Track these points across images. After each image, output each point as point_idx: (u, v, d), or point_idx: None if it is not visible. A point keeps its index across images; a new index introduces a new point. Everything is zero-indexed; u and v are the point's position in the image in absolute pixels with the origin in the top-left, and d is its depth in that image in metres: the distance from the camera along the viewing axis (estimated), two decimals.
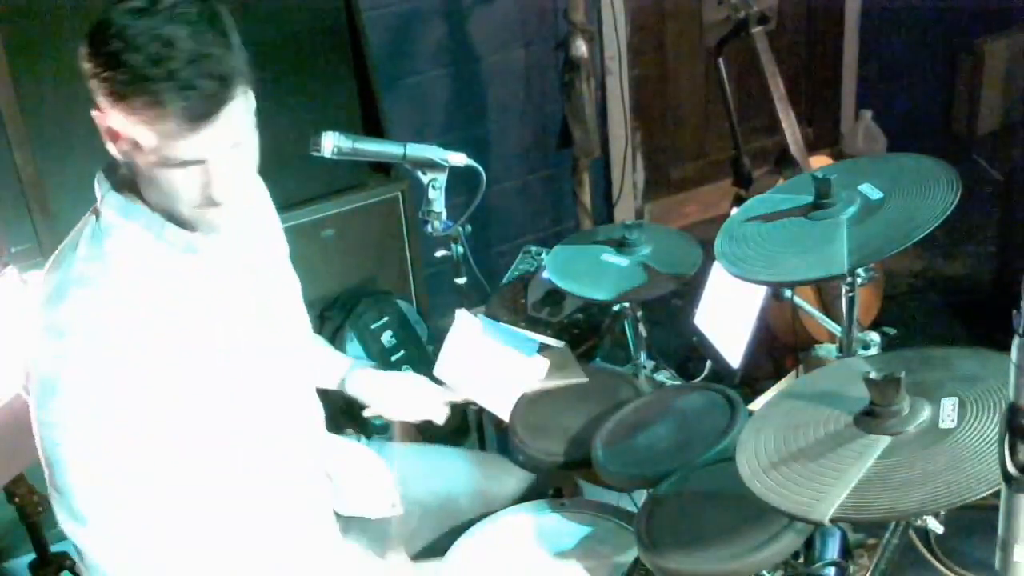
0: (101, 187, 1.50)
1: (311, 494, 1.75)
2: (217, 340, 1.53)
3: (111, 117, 1.37)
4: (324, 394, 1.87)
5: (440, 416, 2.02)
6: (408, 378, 2.05)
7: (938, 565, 2.39)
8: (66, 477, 1.43)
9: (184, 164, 1.39)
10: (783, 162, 3.04)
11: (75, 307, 1.41)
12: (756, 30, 2.97)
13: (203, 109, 1.35)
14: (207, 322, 1.52)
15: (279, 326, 1.67)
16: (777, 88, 3.00)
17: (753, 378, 2.74)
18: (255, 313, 1.62)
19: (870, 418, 1.32)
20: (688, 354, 2.84)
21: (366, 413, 1.99)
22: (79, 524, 1.45)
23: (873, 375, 1.30)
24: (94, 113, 1.41)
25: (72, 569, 2.38)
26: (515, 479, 1.99)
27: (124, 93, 1.34)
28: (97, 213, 1.49)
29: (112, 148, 1.42)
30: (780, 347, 2.98)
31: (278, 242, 1.78)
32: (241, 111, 1.41)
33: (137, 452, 1.44)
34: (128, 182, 1.48)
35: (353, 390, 1.98)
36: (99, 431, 1.41)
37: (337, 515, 1.81)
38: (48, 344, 1.41)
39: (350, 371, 1.98)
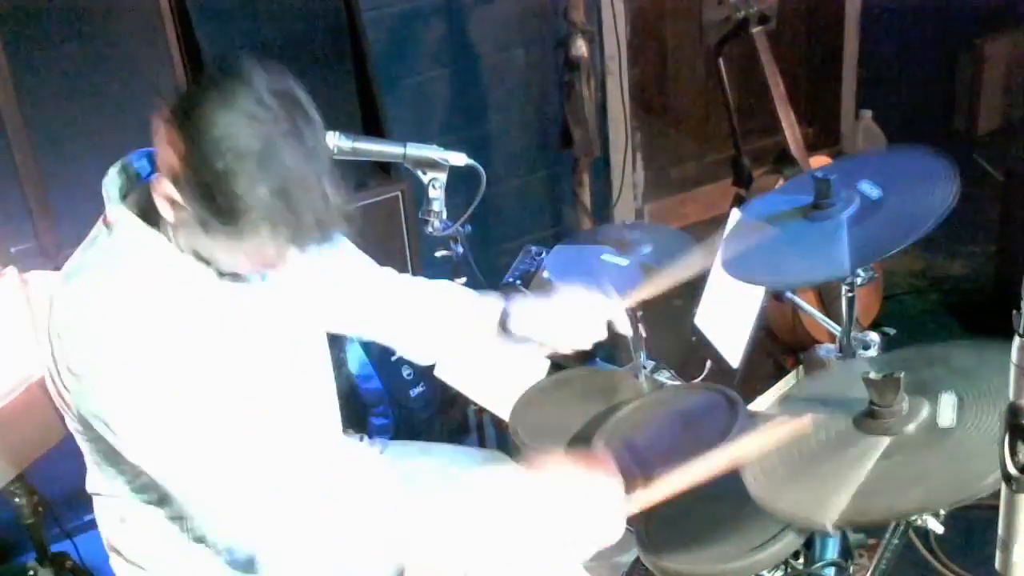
0: (114, 209, 1.48)
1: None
2: (229, 342, 1.53)
3: (189, 199, 1.36)
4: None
5: (603, 334, 1.87)
6: (569, 300, 1.87)
7: (938, 565, 2.39)
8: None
9: (264, 266, 1.44)
10: (783, 162, 3.04)
11: (93, 303, 1.41)
12: (756, 30, 2.97)
13: (314, 246, 1.39)
14: (219, 323, 1.52)
15: (295, 326, 1.67)
16: (777, 88, 3.00)
17: (753, 378, 2.74)
18: (269, 315, 1.62)
19: (870, 419, 1.32)
20: (688, 354, 2.84)
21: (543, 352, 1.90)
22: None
23: (873, 375, 1.30)
24: (159, 180, 1.38)
25: (72, 569, 2.38)
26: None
27: (240, 230, 1.35)
28: (107, 223, 1.49)
29: (163, 207, 1.40)
30: (780, 347, 2.98)
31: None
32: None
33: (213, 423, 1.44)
34: (141, 204, 1.47)
35: (520, 330, 1.84)
36: (144, 399, 1.41)
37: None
38: (76, 340, 1.41)
39: (508, 310, 1.85)
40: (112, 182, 1.50)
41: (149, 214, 1.46)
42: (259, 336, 1.59)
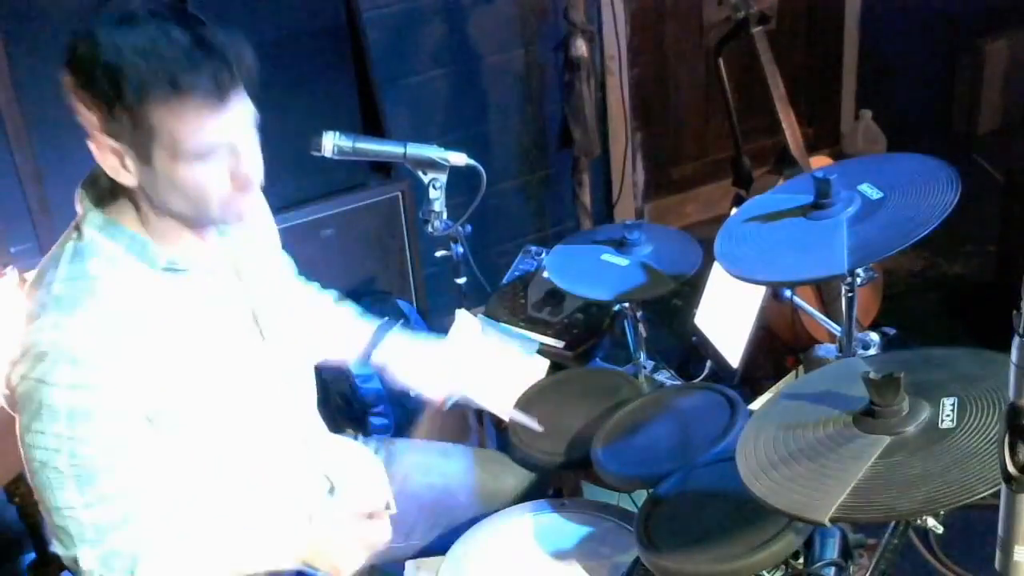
0: (83, 204, 1.50)
1: (306, 497, 1.75)
2: (205, 356, 1.53)
3: (119, 134, 1.38)
4: (324, 394, 1.87)
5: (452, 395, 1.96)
6: (438, 350, 1.97)
7: (938, 565, 2.39)
8: (58, 496, 1.43)
9: (213, 149, 1.41)
10: (783, 162, 3.04)
11: (55, 331, 1.41)
12: (756, 30, 2.97)
13: (222, 85, 1.37)
14: (193, 340, 1.52)
15: (271, 331, 1.67)
16: (777, 88, 3.00)
17: (753, 378, 2.74)
18: (245, 323, 1.63)
19: (870, 418, 1.32)
20: (688, 354, 2.84)
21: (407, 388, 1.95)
22: (80, 545, 1.46)
23: (873, 375, 1.30)
24: (91, 143, 1.41)
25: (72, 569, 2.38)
26: (515, 478, 1.99)
27: (137, 98, 1.34)
28: (78, 230, 1.49)
29: (119, 173, 1.42)
30: (780, 347, 2.98)
31: (268, 236, 1.77)
32: (245, 91, 1.44)
33: (117, 469, 1.45)
34: (110, 198, 1.48)
35: (380, 361, 1.93)
36: (81, 452, 1.42)
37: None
38: (29, 366, 1.41)
39: (378, 339, 1.93)
40: (80, 194, 1.52)
41: (115, 204, 1.48)
42: (235, 351, 1.60)
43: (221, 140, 1.41)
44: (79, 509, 1.44)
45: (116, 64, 1.34)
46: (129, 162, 1.41)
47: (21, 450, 1.46)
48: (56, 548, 1.49)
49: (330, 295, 2.01)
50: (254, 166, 1.47)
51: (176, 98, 1.35)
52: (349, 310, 2.00)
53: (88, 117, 1.39)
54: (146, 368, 1.45)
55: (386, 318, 1.98)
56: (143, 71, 1.34)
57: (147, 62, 1.34)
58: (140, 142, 1.39)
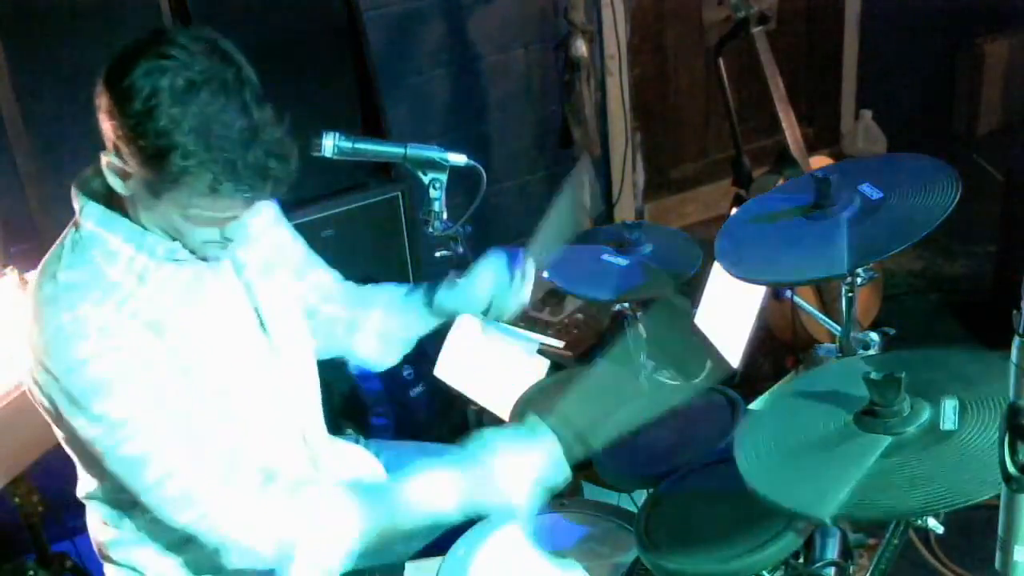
0: (78, 200, 1.50)
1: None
2: (205, 345, 1.53)
3: (139, 168, 1.37)
4: (325, 394, 1.87)
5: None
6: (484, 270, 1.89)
7: (938, 565, 2.40)
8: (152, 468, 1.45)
9: (217, 223, 1.43)
10: (783, 162, 3.04)
11: (70, 312, 1.41)
12: (756, 30, 2.97)
13: (256, 195, 1.39)
14: (194, 328, 1.52)
15: (276, 330, 1.67)
16: (777, 88, 3.00)
17: (753, 378, 2.74)
18: (246, 319, 1.62)
19: (870, 418, 1.32)
20: (688, 354, 2.84)
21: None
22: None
23: (873, 375, 1.30)
24: (105, 154, 1.40)
25: (72, 569, 2.38)
26: None
27: (177, 173, 1.34)
28: (77, 225, 1.49)
29: (116, 182, 1.42)
30: (780, 347, 2.98)
31: (273, 233, 1.76)
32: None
33: (194, 414, 1.47)
34: (105, 194, 1.48)
35: (444, 303, 1.88)
36: (149, 411, 1.44)
37: None
38: (61, 353, 1.41)
39: (436, 297, 1.89)
40: (76, 191, 1.52)
41: (111, 199, 1.48)
42: (235, 341, 1.60)
43: (228, 216, 1.43)
44: (185, 469, 1.46)
45: (169, 137, 1.32)
46: (133, 184, 1.41)
47: (94, 448, 1.45)
48: (181, 521, 1.50)
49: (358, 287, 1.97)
50: (240, 230, 1.48)
51: (210, 194, 1.36)
52: (391, 286, 1.97)
53: (111, 134, 1.38)
54: (145, 350, 1.45)
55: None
56: (192, 156, 1.33)
57: (198, 149, 1.33)
58: (156, 186, 1.38)
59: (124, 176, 1.41)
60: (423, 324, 1.89)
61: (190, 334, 1.51)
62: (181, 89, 1.32)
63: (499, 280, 1.83)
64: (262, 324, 1.65)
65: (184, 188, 1.36)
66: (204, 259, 1.52)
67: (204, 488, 1.48)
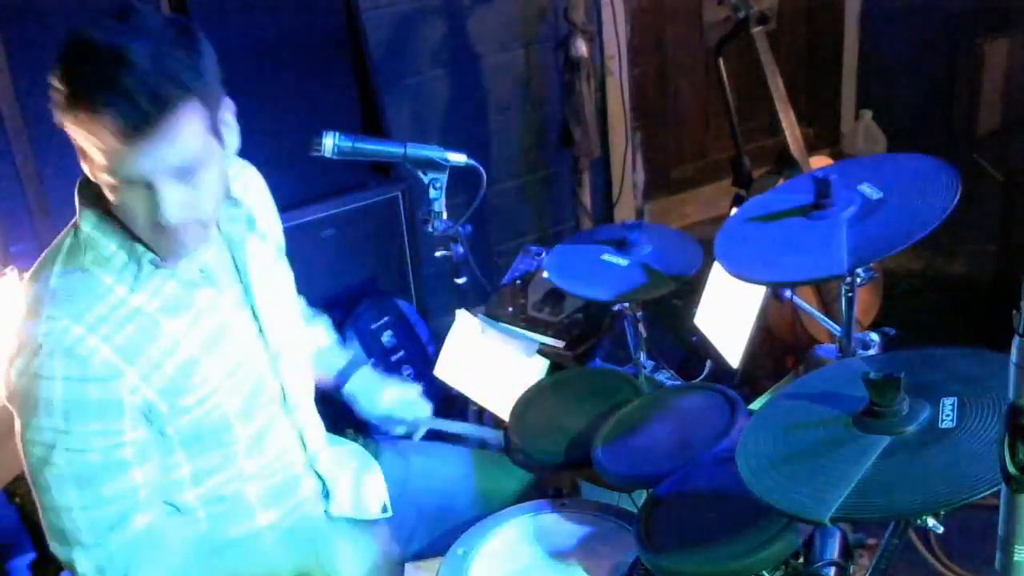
0: (80, 202, 1.50)
1: (301, 496, 1.75)
2: (199, 352, 1.53)
3: (70, 131, 1.36)
4: (324, 394, 1.87)
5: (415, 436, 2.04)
6: (401, 389, 2.03)
7: (938, 565, 2.40)
8: (56, 496, 1.44)
9: (129, 183, 1.36)
10: (783, 162, 3.04)
11: (50, 323, 1.41)
12: (756, 30, 2.97)
13: (135, 120, 1.29)
14: (188, 335, 1.52)
15: (271, 331, 1.67)
16: (777, 88, 3.00)
17: (753, 378, 2.74)
18: (243, 322, 1.62)
19: (870, 418, 1.32)
20: (688, 354, 2.84)
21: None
22: (73, 547, 1.46)
23: (873, 375, 1.30)
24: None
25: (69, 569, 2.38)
26: (515, 479, 1.99)
27: (69, 103, 1.32)
28: (76, 227, 1.49)
29: (82, 163, 1.42)
30: (780, 347, 2.98)
31: (272, 238, 1.76)
32: (191, 131, 1.34)
33: (113, 467, 1.45)
34: (101, 198, 1.47)
35: (351, 390, 1.98)
36: (78, 448, 1.42)
37: (329, 517, 1.81)
38: (26, 360, 1.41)
39: (349, 371, 1.98)
40: (81, 184, 1.51)
41: (109, 205, 1.46)
42: (230, 348, 1.59)
43: (135, 176, 1.35)
44: (76, 510, 1.44)
45: (72, 64, 1.31)
46: (82, 159, 1.40)
47: (20, 448, 1.45)
48: (53, 548, 1.49)
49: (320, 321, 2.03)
50: (172, 215, 1.38)
51: (92, 121, 1.30)
52: (325, 332, 2.03)
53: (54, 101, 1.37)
54: (140, 363, 1.45)
55: (352, 353, 2.04)
56: (82, 79, 1.30)
57: (89, 71, 1.30)
58: (78, 148, 1.37)
59: (80, 153, 1.39)
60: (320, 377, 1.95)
61: (177, 343, 1.50)
62: (115, 14, 1.34)
63: (403, 402, 1.99)
64: (260, 329, 1.65)
65: (69, 121, 1.33)
66: (165, 256, 1.47)
67: (77, 531, 1.46)
